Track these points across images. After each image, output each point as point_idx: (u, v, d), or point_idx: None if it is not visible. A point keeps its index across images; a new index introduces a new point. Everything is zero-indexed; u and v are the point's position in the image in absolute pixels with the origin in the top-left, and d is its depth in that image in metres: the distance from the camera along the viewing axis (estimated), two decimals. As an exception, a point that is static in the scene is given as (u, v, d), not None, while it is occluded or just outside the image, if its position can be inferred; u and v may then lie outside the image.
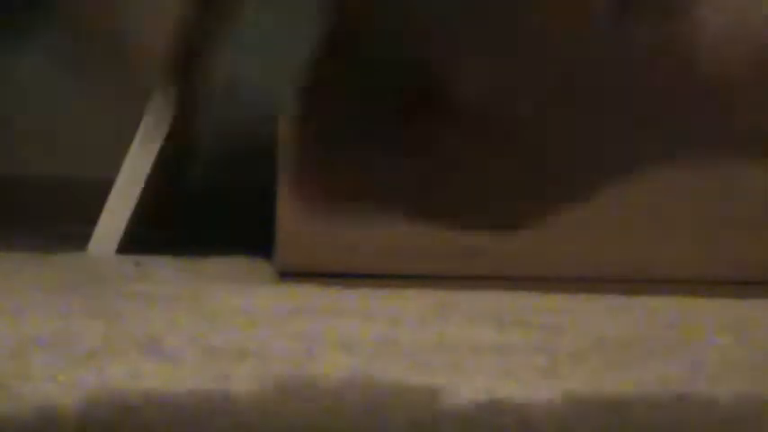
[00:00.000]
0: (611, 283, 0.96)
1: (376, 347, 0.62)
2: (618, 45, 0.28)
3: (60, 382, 0.50)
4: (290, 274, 0.95)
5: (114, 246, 1.18)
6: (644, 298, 0.91)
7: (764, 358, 0.62)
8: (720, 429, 0.44)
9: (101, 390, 0.48)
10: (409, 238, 0.96)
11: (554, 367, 0.57)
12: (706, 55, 0.28)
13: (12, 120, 1.78)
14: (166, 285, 0.90)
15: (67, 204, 1.75)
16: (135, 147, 1.18)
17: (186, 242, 1.47)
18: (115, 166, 1.20)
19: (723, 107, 0.29)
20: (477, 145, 0.28)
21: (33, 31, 1.75)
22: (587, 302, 0.87)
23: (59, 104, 1.77)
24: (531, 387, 0.51)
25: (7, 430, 0.41)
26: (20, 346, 0.59)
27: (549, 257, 0.97)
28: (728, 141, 0.30)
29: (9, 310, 0.73)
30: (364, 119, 0.29)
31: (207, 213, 1.76)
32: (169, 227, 1.72)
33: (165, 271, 1.02)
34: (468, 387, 0.51)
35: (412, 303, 0.83)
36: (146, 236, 1.43)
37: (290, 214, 0.95)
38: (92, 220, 1.22)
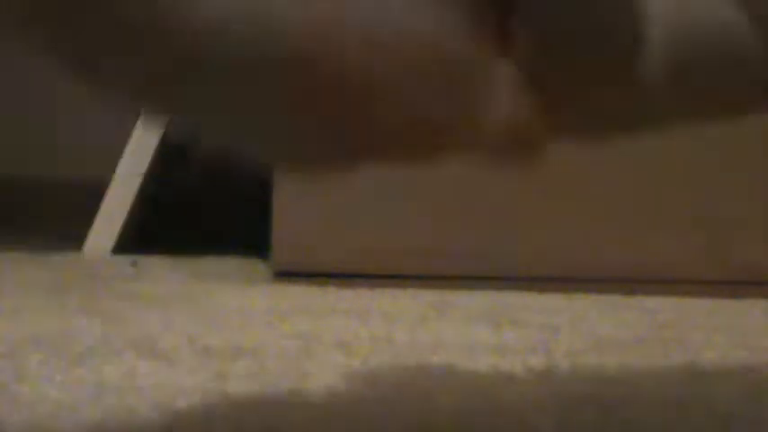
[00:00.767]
0: (611, 283, 0.96)
1: (373, 347, 0.62)
2: None
3: (57, 382, 0.50)
4: (286, 274, 0.95)
5: (111, 246, 1.18)
6: (643, 298, 0.91)
7: (763, 358, 0.62)
8: (720, 429, 0.44)
9: (98, 389, 0.48)
10: (408, 239, 0.96)
11: (552, 367, 0.57)
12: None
13: (12, 120, 1.78)
14: (163, 285, 0.90)
15: (67, 204, 1.75)
16: (132, 146, 1.18)
17: (182, 242, 1.47)
18: (112, 166, 1.20)
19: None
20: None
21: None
22: (586, 302, 0.87)
23: (59, 104, 1.77)
24: (530, 387, 0.51)
25: (5, 430, 0.41)
26: (17, 346, 0.58)
27: (549, 257, 0.97)
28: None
29: (7, 310, 0.72)
30: None
31: (204, 213, 1.75)
32: (166, 227, 1.72)
33: (161, 271, 1.02)
34: (465, 387, 0.51)
35: (410, 303, 0.83)
36: (142, 236, 1.43)
37: (286, 214, 0.95)
38: (90, 220, 1.22)
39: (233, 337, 0.64)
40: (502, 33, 0.30)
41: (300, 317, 0.73)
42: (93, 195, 1.45)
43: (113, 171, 1.19)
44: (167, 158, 1.33)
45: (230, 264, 1.11)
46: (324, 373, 0.53)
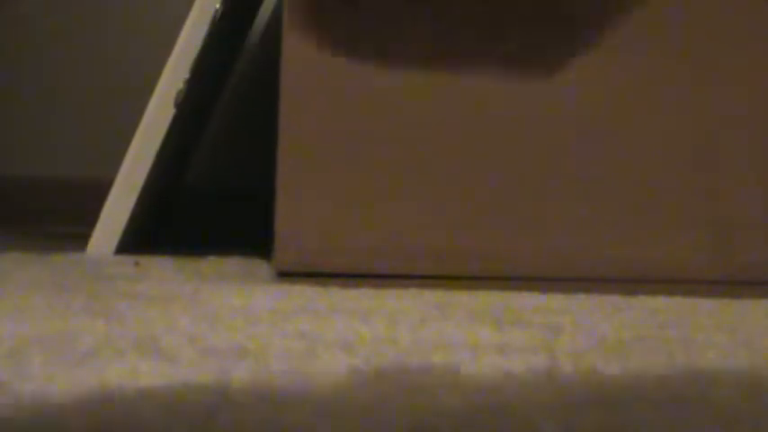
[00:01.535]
0: (614, 283, 0.96)
1: (375, 347, 0.62)
2: None
3: (60, 382, 0.50)
4: (289, 274, 0.95)
5: (114, 245, 1.18)
6: (644, 298, 0.91)
7: (764, 358, 0.62)
8: (721, 429, 0.44)
9: (100, 389, 0.48)
10: (409, 238, 0.96)
11: (555, 367, 0.57)
12: None
13: (12, 120, 1.78)
14: (165, 285, 0.90)
15: (67, 204, 1.75)
16: (134, 146, 1.18)
17: (185, 242, 1.47)
18: (115, 167, 1.20)
19: None
20: None
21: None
22: (589, 302, 0.87)
23: (60, 104, 1.77)
24: (532, 387, 0.51)
25: (6, 430, 0.41)
26: (20, 345, 0.59)
27: (549, 257, 0.97)
28: None
29: (9, 310, 0.72)
30: None
31: (206, 213, 1.76)
32: (168, 227, 1.72)
33: (164, 271, 1.02)
34: (468, 387, 0.51)
35: (412, 303, 0.83)
36: (145, 235, 1.43)
37: (289, 214, 0.95)
38: (91, 220, 1.22)
39: (235, 337, 0.64)
40: None
41: (303, 317, 0.73)
42: (95, 195, 1.45)
43: (116, 171, 1.19)
44: (170, 158, 1.33)
45: (233, 264, 1.11)
46: (326, 373, 0.53)
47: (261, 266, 1.09)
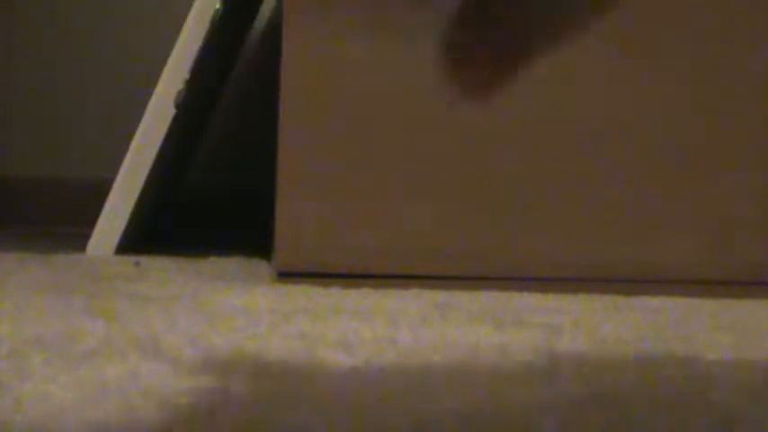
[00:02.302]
0: (614, 283, 0.96)
1: (375, 347, 0.62)
2: None
3: (60, 382, 0.50)
4: (289, 275, 0.95)
5: (114, 245, 1.18)
6: (644, 298, 0.91)
7: (765, 359, 0.62)
8: (720, 430, 0.44)
9: (100, 390, 0.48)
10: (409, 239, 0.96)
11: (555, 367, 0.57)
12: None
13: (12, 120, 1.78)
14: (166, 285, 0.90)
15: (67, 204, 1.75)
16: (134, 147, 1.18)
17: (185, 242, 1.47)
18: (115, 166, 1.20)
19: None
20: None
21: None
22: (589, 302, 0.87)
23: (60, 104, 1.77)
24: (532, 387, 0.51)
25: (6, 430, 0.41)
26: (20, 346, 0.59)
27: (549, 257, 0.97)
28: None
29: (10, 310, 0.72)
30: None
31: (207, 213, 1.76)
32: (168, 227, 1.72)
33: (164, 271, 1.02)
34: (468, 387, 0.51)
35: (413, 304, 0.83)
36: (145, 236, 1.43)
37: (289, 215, 0.95)
38: (91, 220, 1.22)
39: (236, 337, 0.64)
40: None
41: (303, 317, 0.73)
42: (95, 195, 1.45)
43: (116, 171, 1.19)
44: (170, 158, 1.33)
45: (233, 264, 1.11)
46: (327, 374, 0.53)
47: (261, 266, 1.09)
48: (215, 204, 1.75)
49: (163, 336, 0.63)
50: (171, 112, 1.17)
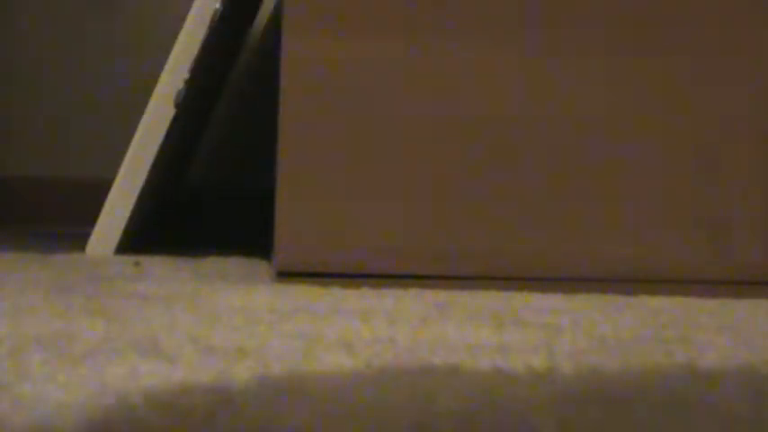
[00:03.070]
0: (613, 283, 0.96)
1: (375, 347, 0.62)
2: None
3: (60, 382, 0.50)
4: (288, 274, 0.95)
5: (113, 245, 1.18)
6: (644, 298, 0.91)
7: (764, 358, 0.62)
8: (720, 430, 0.44)
9: (100, 389, 0.48)
10: (409, 239, 0.96)
11: (554, 367, 0.57)
12: None
13: (12, 120, 1.78)
14: (165, 285, 0.90)
15: (67, 204, 1.75)
16: (134, 146, 1.18)
17: (185, 242, 1.47)
18: (115, 166, 1.20)
19: None
20: None
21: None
22: (588, 302, 0.87)
23: (60, 104, 1.77)
24: (532, 387, 0.51)
25: (6, 430, 0.41)
26: (19, 346, 0.59)
27: (550, 257, 0.97)
28: None
29: (9, 310, 0.72)
30: None
31: (206, 213, 1.76)
32: (169, 227, 1.72)
33: (164, 271, 1.02)
34: (468, 387, 0.51)
35: (412, 303, 0.83)
36: (144, 235, 1.43)
37: (289, 214, 0.95)
38: (91, 220, 1.22)
39: (235, 337, 0.64)
40: None
41: (303, 317, 0.73)
42: (95, 195, 1.45)
43: (116, 171, 1.19)
44: (170, 158, 1.33)
45: (233, 264, 1.11)
46: (326, 373, 0.53)
47: (261, 266, 1.09)
48: (215, 204, 1.75)
49: (162, 335, 0.63)
50: (171, 111, 1.17)
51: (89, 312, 0.72)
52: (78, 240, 1.25)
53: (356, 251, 0.96)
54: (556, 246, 0.97)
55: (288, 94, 0.96)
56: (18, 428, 0.41)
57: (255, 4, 1.49)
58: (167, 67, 1.17)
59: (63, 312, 0.72)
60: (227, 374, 0.52)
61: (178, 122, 1.21)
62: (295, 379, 0.52)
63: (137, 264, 1.07)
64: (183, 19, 1.18)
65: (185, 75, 1.16)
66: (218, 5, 1.15)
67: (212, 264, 1.10)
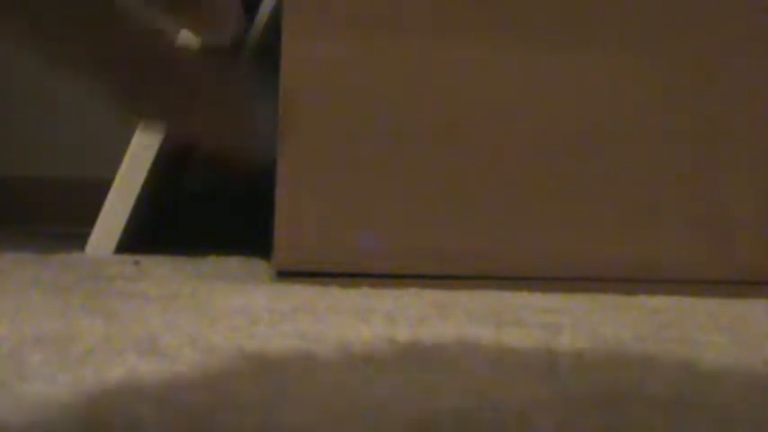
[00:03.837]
0: (613, 283, 0.96)
1: (374, 347, 0.62)
2: None
3: (59, 382, 0.50)
4: (288, 274, 0.95)
5: (113, 245, 1.18)
6: (644, 298, 0.91)
7: (764, 358, 0.62)
8: (720, 430, 0.44)
9: (100, 389, 0.48)
10: (408, 239, 0.96)
11: (554, 367, 0.57)
12: None
13: (12, 120, 1.78)
14: (165, 284, 0.90)
15: (67, 204, 1.75)
16: (133, 147, 1.18)
17: (185, 242, 1.47)
18: (115, 166, 1.20)
19: None
20: None
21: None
22: (588, 302, 0.87)
23: (60, 104, 1.77)
24: (531, 387, 0.51)
25: (6, 430, 0.41)
26: (19, 345, 0.59)
27: (549, 257, 0.97)
28: None
29: (9, 309, 0.72)
30: None
31: (206, 213, 1.76)
32: (168, 227, 1.72)
33: (163, 270, 1.02)
34: (467, 387, 0.51)
35: (411, 303, 0.83)
36: (145, 235, 1.43)
37: (288, 214, 0.95)
38: (91, 220, 1.22)
39: (235, 336, 0.64)
40: None
41: (302, 316, 0.73)
42: (95, 195, 1.45)
43: (116, 171, 1.19)
44: (170, 158, 1.33)
45: (232, 263, 1.11)
46: (326, 373, 0.53)
47: (261, 266, 1.09)
48: (215, 204, 1.76)
49: (162, 335, 0.63)
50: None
51: (89, 312, 0.72)
52: (78, 240, 1.25)
53: (355, 251, 0.96)
54: (556, 246, 0.97)
55: (287, 94, 0.96)
56: (18, 428, 0.41)
57: (255, 4, 1.49)
58: (167, 66, 1.17)
59: (62, 312, 0.72)
60: (226, 374, 0.52)
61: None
62: (295, 379, 0.52)
63: (136, 264, 1.07)
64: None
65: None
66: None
67: (212, 264, 1.10)
